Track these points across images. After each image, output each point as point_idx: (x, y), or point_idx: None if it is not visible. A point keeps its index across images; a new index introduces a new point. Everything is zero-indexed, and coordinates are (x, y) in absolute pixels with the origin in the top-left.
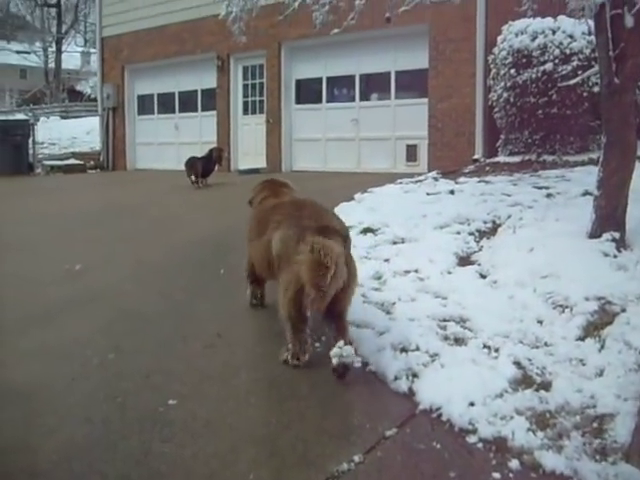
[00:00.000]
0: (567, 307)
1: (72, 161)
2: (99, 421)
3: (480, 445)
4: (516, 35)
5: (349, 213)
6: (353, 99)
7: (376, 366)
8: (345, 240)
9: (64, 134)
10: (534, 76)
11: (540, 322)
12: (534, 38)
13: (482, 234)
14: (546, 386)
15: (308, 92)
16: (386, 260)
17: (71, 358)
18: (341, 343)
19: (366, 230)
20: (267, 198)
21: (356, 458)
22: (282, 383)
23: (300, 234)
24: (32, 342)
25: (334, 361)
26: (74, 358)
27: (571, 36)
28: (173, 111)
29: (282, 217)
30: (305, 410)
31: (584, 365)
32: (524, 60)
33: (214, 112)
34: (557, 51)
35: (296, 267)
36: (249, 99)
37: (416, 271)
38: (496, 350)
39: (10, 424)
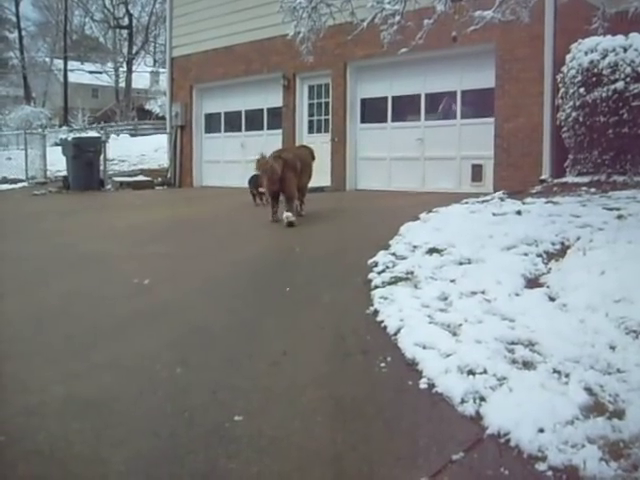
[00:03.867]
0: None
1: (141, 177)
2: (166, 435)
3: (550, 473)
4: (585, 53)
5: (415, 233)
6: (418, 118)
7: (442, 388)
8: (285, 162)
9: (133, 151)
10: (604, 95)
11: (612, 348)
12: (604, 56)
13: (550, 256)
14: (619, 414)
15: (373, 111)
16: (452, 281)
17: (140, 372)
18: (288, 213)
19: (432, 250)
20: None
21: None
22: (348, 403)
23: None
24: (102, 355)
25: (284, 220)
26: (143, 372)
27: None
28: (239, 129)
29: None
30: (371, 431)
31: None
32: (594, 79)
33: (280, 130)
34: (628, 69)
35: None
36: (314, 118)
37: (483, 292)
38: (566, 375)
39: (81, 435)
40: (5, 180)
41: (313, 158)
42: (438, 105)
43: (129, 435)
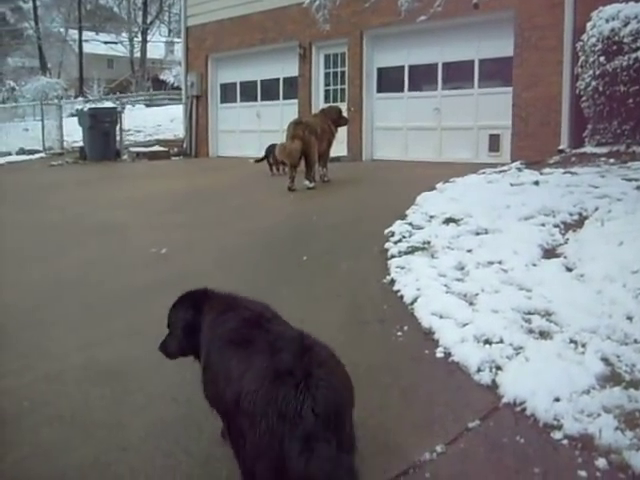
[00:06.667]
0: None
1: (156, 148)
2: (184, 401)
3: (565, 442)
4: (607, 21)
5: (431, 202)
6: (435, 88)
7: (458, 357)
8: (302, 140)
9: (149, 122)
10: (625, 64)
11: (630, 318)
12: (626, 24)
13: (568, 226)
14: (636, 384)
15: (390, 80)
16: (469, 251)
17: (158, 340)
18: (306, 181)
19: (448, 220)
20: None
21: (438, 448)
22: (365, 371)
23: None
24: (120, 323)
25: (305, 186)
26: (161, 340)
27: None
28: (255, 99)
29: None
30: (388, 399)
31: None
32: (615, 47)
33: (295, 100)
34: None
35: None
36: (330, 87)
37: (500, 263)
38: (583, 345)
39: (101, 401)
40: (22, 151)
41: (341, 119)
42: (455, 74)
43: (149, 401)
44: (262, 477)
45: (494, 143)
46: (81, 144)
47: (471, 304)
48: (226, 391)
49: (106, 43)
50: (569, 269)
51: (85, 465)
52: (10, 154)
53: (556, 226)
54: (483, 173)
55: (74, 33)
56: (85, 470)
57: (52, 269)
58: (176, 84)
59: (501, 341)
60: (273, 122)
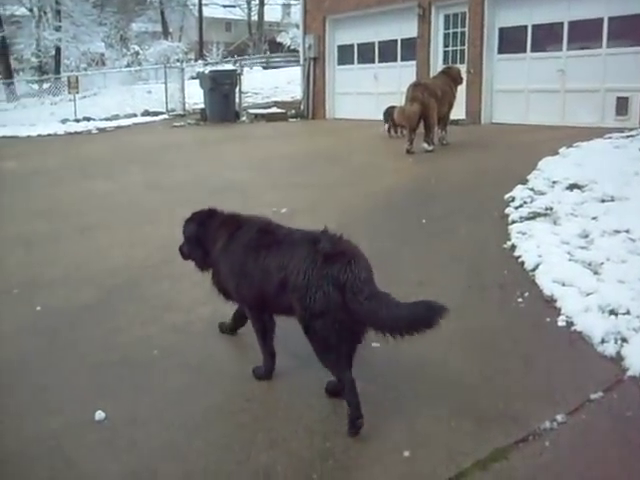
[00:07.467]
0: None
1: (274, 110)
2: (305, 356)
3: None
4: None
5: (554, 168)
6: (560, 48)
7: (581, 327)
8: (421, 103)
9: (266, 84)
10: None
11: None
12: None
13: None
14: None
15: (511, 41)
16: (593, 218)
17: None
18: (424, 144)
19: (572, 186)
20: None
21: (559, 418)
22: (484, 335)
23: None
24: None
25: (424, 149)
26: None
27: None
28: (372, 61)
29: None
30: (508, 365)
31: None
32: None
33: (414, 62)
34: None
35: None
36: (449, 49)
37: (627, 231)
38: None
39: (225, 352)
40: (147, 113)
41: (459, 80)
42: (581, 34)
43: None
44: (323, 329)
45: (622, 106)
46: (202, 106)
47: (596, 273)
48: (265, 282)
49: (225, 7)
50: None
51: (210, 413)
52: (135, 115)
53: None
54: (609, 138)
55: None
56: (210, 417)
57: (179, 226)
58: (292, 46)
59: (627, 312)
60: (390, 84)
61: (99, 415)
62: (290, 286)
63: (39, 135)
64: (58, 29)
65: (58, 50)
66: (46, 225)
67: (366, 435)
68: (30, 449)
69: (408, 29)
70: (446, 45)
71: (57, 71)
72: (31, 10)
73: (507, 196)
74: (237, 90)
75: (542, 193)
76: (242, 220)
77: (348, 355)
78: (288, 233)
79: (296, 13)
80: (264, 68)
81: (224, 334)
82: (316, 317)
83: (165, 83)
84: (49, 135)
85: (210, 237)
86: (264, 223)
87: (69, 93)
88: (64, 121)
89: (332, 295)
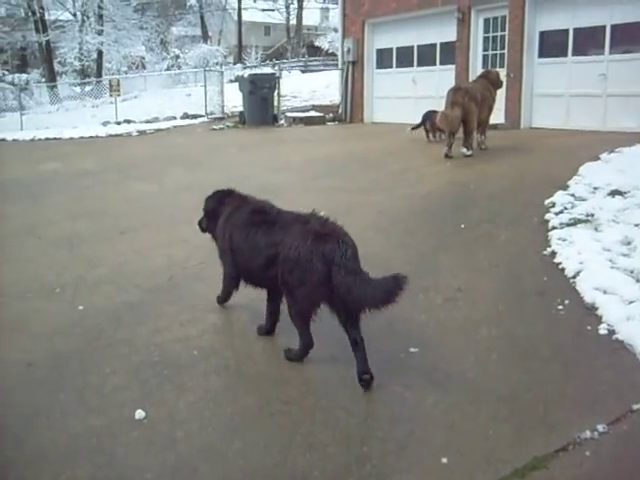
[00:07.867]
0: None
1: (312, 113)
2: (345, 361)
3: None
4: None
5: (595, 173)
6: (602, 52)
7: (624, 335)
8: (462, 107)
9: (304, 87)
10: None
11: None
12: None
13: None
14: None
15: (552, 44)
16: (636, 225)
17: None
18: (464, 149)
19: (614, 192)
20: None
21: (600, 428)
22: (524, 343)
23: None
24: None
25: (462, 153)
26: None
27: None
28: (411, 65)
29: None
30: (547, 373)
31: None
32: None
33: (452, 66)
34: None
35: None
36: (489, 52)
37: None
38: None
39: (264, 354)
40: (186, 115)
41: (499, 84)
42: (624, 37)
43: (307, 359)
44: (304, 296)
45: None
46: (240, 109)
47: (638, 281)
48: (260, 254)
49: (263, 10)
50: None
51: (249, 414)
52: (175, 118)
53: None
54: None
55: (233, 2)
56: (248, 418)
57: None
58: (331, 50)
59: None
60: (429, 88)
61: (139, 414)
62: (281, 257)
63: (81, 137)
64: (100, 33)
65: (100, 54)
66: (88, 226)
67: (404, 441)
68: (73, 446)
69: (447, 33)
70: (485, 49)
71: (99, 74)
72: (75, 15)
73: (547, 202)
74: (276, 93)
75: (583, 199)
76: (249, 200)
77: (351, 320)
78: (283, 213)
79: (334, 17)
80: (302, 72)
81: (262, 336)
82: (301, 285)
83: (204, 86)
84: (91, 137)
85: (222, 213)
86: (265, 204)
87: (110, 96)
88: (105, 123)
89: (319, 267)
